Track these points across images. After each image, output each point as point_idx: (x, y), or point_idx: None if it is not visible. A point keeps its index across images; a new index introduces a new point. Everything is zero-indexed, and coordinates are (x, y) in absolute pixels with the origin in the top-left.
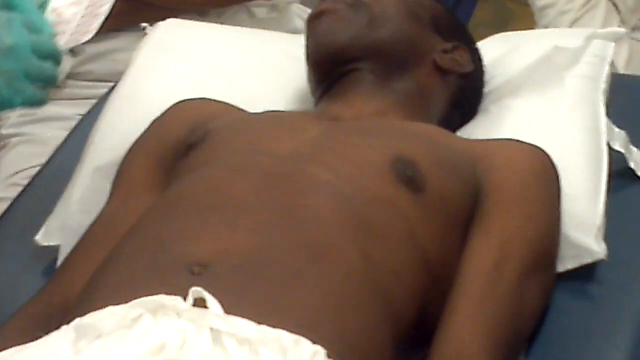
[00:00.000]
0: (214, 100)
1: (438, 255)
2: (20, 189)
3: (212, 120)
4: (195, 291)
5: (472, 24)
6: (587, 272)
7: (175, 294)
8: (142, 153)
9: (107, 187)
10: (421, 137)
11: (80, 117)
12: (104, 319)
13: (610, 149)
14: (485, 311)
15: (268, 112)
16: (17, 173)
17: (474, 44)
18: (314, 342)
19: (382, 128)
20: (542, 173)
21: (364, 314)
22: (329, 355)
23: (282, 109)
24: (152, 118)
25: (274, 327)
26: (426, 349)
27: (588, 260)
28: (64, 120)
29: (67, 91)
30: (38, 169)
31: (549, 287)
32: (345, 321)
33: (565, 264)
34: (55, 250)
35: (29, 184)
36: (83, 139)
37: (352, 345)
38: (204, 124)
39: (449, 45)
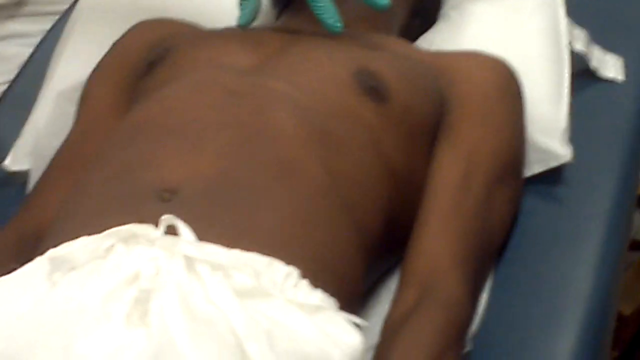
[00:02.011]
0: (173, 19)
1: (403, 166)
2: None
3: (172, 38)
4: (166, 218)
5: None
6: (553, 175)
7: (146, 222)
8: (104, 76)
9: (73, 110)
10: (383, 49)
11: (42, 33)
12: (77, 250)
13: (572, 49)
14: (455, 223)
15: (227, 27)
16: None
17: None
18: (287, 262)
19: (343, 41)
20: (505, 84)
21: (332, 229)
22: (302, 275)
23: None
24: (113, 39)
25: (245, 249)
26: (393, 258)
27: (554, 163)
28: (26, 37)
29: (27, 8)
30: (2, 87)
31: (517, 196)
32: (314, 238)
33: (532, 168)
34: (24, 174)
35: None
36: (46, 58)
37: (323, 261)
38: (163, 42)
39: None
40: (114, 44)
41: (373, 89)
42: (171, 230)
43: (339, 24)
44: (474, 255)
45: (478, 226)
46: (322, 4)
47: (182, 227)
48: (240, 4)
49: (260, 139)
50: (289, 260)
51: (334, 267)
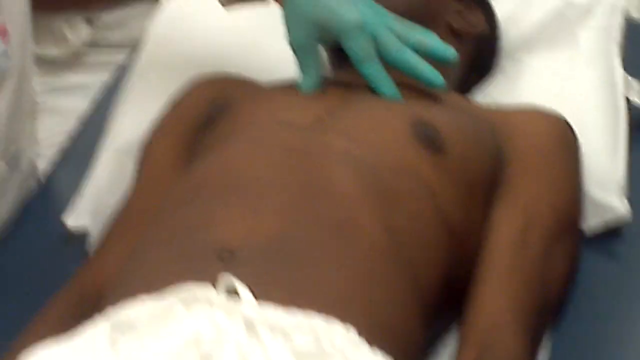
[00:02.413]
0: (231, 74)
1: (460, 220)
2: (44, 159)
3: (230, 93)
4: (226, 279)
5: None
6: (612, 229)
7: (206, 282)
8: (164, 131)
9: (132, 166)
10: (439, 102)
11: (101, 84)
12: (137, 310)
13: (629, 101)
14: (513, 280)
15: (285, 81)
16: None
17: (487, 1)
18: (346, 322)
19: (400, 89)
20: (562, 138)
21: (390, 287)
22: (359, 333)
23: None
24: (171, 94)
25: (304, 309)
26: (451, 318)
27: (610, 217)
28: (85, 89)
29: (86, 59)
30: (60, 138)
31: (576, 251)
32: (372, 296)
33: (589, 222)
34: (83, 231)
35: (55, 162)
36: (105, 111)
37: (383, 320)
38: (222, 98)
39: (462, 6)
40: (173, 100)
41: (430, 140)
42: (230, 291)
43: (398, 96)
44: (533, 312)
45: (537, 282)
46: (376, 75)
47: (241, 288)
48: (301, 66)
49: (319, 197)
50: (348, 320)
51: (393, 326)
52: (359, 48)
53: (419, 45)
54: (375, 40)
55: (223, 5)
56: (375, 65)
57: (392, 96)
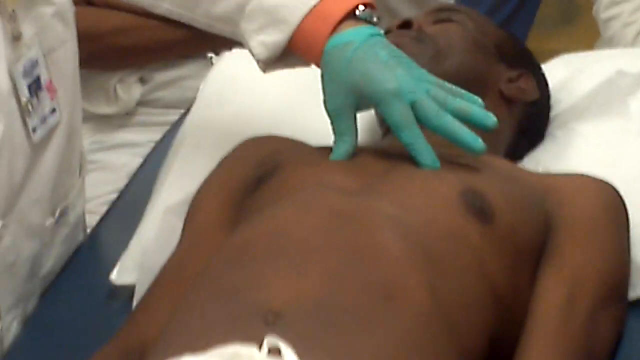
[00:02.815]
0: (280, 136)
1: (507, 289)
2: (95, 216)
3: (279, 154)
4: (270, 340)
5: (538, 18)
6: None
7: (250, 343)
8: (212, 191)
9: (180, 225)
10: (489, 169)
11: (151, 143)
12: None
13: None
14: (559, 348)
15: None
16: (90, 200)
17: (539, 68)
18: None
19: (449, 161)
20: (611, 207)
21: (436, 355)
22: None
23: None
24: (221, 154)
25: None
26: None
27: None
28: (136, 147)
29: (137, 118)
30: (111, 195)
31: (622, 318)
32: None
33: (636, 290)
34: (130, 288)
35: (102, 217)
36: (155, 168)
37: None
38: (271, 159)
39: (514, 74)
40: (223, 160)
41: (479, 209)
42: (275, 353)
43: (437, 165)
44: None
45: (582, 350)
46: (414, 142)
47: (285, 349)
48: (335, 132)
49: (366, 262)
50: None
51: None
52: (396, 115)
53: (458, 111)
54: (414, 107)
55: (264, 71)
56: (413, 133)
57: (430, 165)
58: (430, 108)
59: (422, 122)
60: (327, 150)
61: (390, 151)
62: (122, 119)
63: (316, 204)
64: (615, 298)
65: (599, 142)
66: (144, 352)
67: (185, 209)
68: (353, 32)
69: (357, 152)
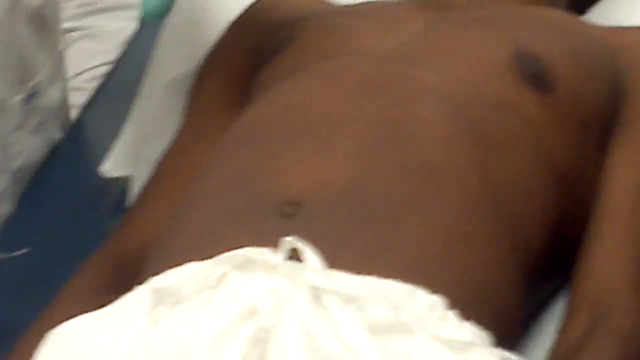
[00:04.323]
0: None
1: (571, 168)
2: (85, 93)
3: (297, 18)
4: (289, 241)
5: None
6: None
7: (265, 243)
8: (219, 63)
9: (181, 104)
10: (547, 26)
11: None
12: (184, 280)
13: None
14: (633, 238)
15: (362, 2)
16: (79, 74)
17: None
18: (432, 289)
19: (500, 16)
20: None
21: (488, 247)
22: (450, 305)
23: None
24: (227, 20)
25: (382, 275)
26: (559, 282)
27: None
28: (130, 9)
29: None
30: (102, 69)
31: None
32: (466, 258)
33: None
34: (124, 181)
35: (91, 96)
36: (153, 36)
37: (477, 286)
38: (287, 24)
39: None
40: (231, 25)
41: (536, 76)
42: (294, 254)
43: None
44: None
45: None
46: None
47: (308, 251)
48: None
49: (402, 139)
50: (435, 287)
51: (489, 293)
52: None
53: None
54: None
55: None
56: None
57: None
58: None
59: None
60: (354, 8)
61: (428, 5)
62: None
63: (342, 73)
64: None
65: None
66: (142, 258)
67: (187, 84)
68: None
69: (390, 7)
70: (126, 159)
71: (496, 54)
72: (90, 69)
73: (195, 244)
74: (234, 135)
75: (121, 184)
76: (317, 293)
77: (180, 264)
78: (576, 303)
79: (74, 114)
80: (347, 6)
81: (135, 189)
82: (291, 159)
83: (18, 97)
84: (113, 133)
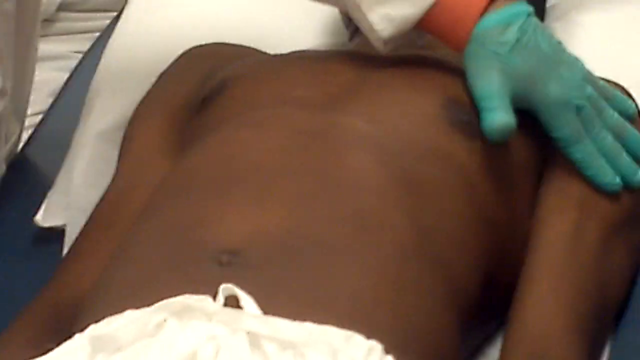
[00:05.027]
0: (229, 44)
1: (503, 216)
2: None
3: (229, 67)
4: (226, 287)
5: None
6: None
7: (203, 291)
8: (151, 112)
9: (115, 154)
10: None
11: (77, 54)
12: (123, 327)
13: None
14: (567, 281)
15: (294, 52)
16: None
17: None
18: (368, 335)
19: (429, 65)
20: None
21: (422, 294)
22: (386, 350)
23: (308, 47)
24: (161, 68)
25: (320, 321)
26: (494, 326)
27: None
28: (58, 60)
29: (59, 25)
30: (33, 119)
31: (638, 245)
32: (401, 304)
33: None
34: (59, 231)
35: (23, 145)
36: (84, 86)
37: (412, 331)
38: (219, 72)
39: None
40: (162, 75)
41: (465, 123)
42: (232, 301)
43: (618, 187)
44: (590, 318)
45: (594, 284)
46: (590, 159)
47: (245, 298)
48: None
49: (336, 188)
50: (371, 333)
51: (425, 337)
52: (566, 129)
53: (614, 129)
54: (578, 114)
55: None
56: (586, 148)
57: (612, 183)
58: (593, 121)
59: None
60: (285, 58)
61: (359, 56)
62: (41, 26)
63: (275, 122)
64: (631, 221)
65: (604, 35)
66: (79, 307)
67: (120, 134)
68: (511, 11)
69: (321, 58)
70: (60, 209)
71: (426, 102)
72: None
73: (132, 292)
74: (168, 186)
75: (57, 234)
76: (255, 339)
77: (118, 312)
78: (511, 349)
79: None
80: (278, 55)
81: (70, 238)
82: (227, 209)
83: None
84: (47, 182)
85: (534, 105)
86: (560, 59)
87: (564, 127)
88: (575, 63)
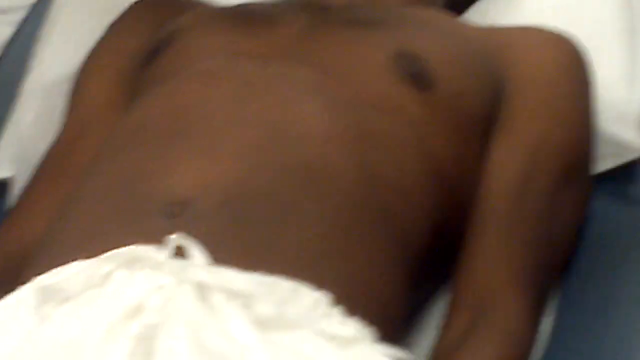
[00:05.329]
0: None
1: (453, 166)
2: None
3: (177, 19)
4: (175, 238)
5: None
6: (627, 171)
7: (151, 242)
8: (99, 65)
9: (62, 106)
10: (426, 27)
11: (24, 6)
12: (70, 278)
13: None
14: (514, 233)
15: (243, 4)
16: None
17: None
18: (316, 286)
19: (379, 17)
20: (571, 65)
21: (371, 244)
22: (335, 300)
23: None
24: (110, 19)
25: (268, 272)
26: (441, 279)
27: (629, 157)
28: (5, 13)
29: None
30: None
31: (586, 197)
32: (349, 256)
33: (602, 163)
34: (6, 183)
35: None
36: (30, 39)
37: (360, 283)
38: (167, 25)
39: None
40: (110, 27)
41: (416, 75)
42: (180, 252)
43: None
44: (536, 270)
45: (541, 235)
46: None
47: (194, 248)
48: None
49: (285, 138)
50: (319, 284)
51: (373, 289)
52: None
53: None
54: None
55: None
56: None
57: None
58: None
59: None
60: (234, 10)
61: (309, 8)
62: None
63: (223, 74)
64: (578, 174)
65: None
66: (26, 259)
67: (68, 86)
68: None
69: (272, 8)
70: (8, 161)
71: (376, 53)
72: None
73: (80, 243)
74: (117, 137)
75: (3, 186)
76: (203, 290)
77: (65, 263)
78: (458, 300)
79: None
80: (227, 8)
81: (17, 190)
82: (175, 161)
83: None
84: None
85: None
86: None
87: None
88: None
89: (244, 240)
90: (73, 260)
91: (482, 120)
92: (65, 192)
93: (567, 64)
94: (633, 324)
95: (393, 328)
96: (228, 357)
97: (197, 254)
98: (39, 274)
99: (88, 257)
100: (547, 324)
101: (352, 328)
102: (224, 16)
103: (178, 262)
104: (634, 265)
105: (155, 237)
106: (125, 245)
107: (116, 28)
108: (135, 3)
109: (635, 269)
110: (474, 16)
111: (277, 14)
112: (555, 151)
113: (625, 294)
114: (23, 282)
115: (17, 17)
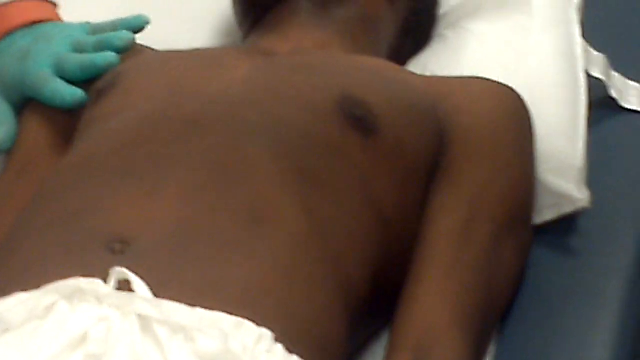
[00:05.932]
0: None
1: (395, 210)
2: None
3: (122, 62)
4: (118, 271)
5: None
6: (567, 222)
7: (95, 276)
8: (41, 106)
9: None
10: (371, 73)
11: None
12: (12, 309)
13: (589, 75)
14: (454, 278)
15: (188, 48)
16: None
17: None
18: (258, 323)
19: (324, 63)
20: (513, 116)
21: (312, 284)
22: (276, 337)
23: (203, 46)
24: None
25: (211, 308)
26: (382, 322)
27: (568, 209)
28: None
29: None
30: None
31: (526, 246)
32: (291, 294)
33: (543, 214)
34: None
35: None
36: None
37: (302, 321)
38: (111, 70)
39: None
40: None
41: (360, 120)
42: (124, 286)
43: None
44: (476, 315)
45: (481, 282)
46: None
47: (136, 281)
48: None
49: (228, 178)
50: (261, 321)
51: (314, 328)
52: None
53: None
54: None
55: None
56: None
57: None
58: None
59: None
60: (179, 53)
61: (255, 52)
62: None
63: (168, 113)
64: (519, 223)
65: (495, 43)
66: None
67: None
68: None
69: (218, 53)
70: None
71: (322, 98)
72: None
73: (22, 275)
74: (58, 176)
75: None
76: (146, 322)
77: (7, 294)
78: (398, 343)
79: None
80: (172, 51)
81: None
82: (119, 200)
83: None
84: None
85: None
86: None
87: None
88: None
89: (187, 277)
90: (14, 291)
91: (425, 167)
92: (6, 229)
93: (510, 114)
94: None
95: None
96: None
97: (141, 287)
98: None
99: (30, 288)
100: None
101: None
102: (170, 58)
103: (122, 295)
104: (570, 315)
105: (98, 271)
106: (68, 277)
107: None
108: None
109: (573, 316)
110: (415, 68)
111: (222, 57)
112: (496, 200)
113: (559, 342)
114: None
115: None
